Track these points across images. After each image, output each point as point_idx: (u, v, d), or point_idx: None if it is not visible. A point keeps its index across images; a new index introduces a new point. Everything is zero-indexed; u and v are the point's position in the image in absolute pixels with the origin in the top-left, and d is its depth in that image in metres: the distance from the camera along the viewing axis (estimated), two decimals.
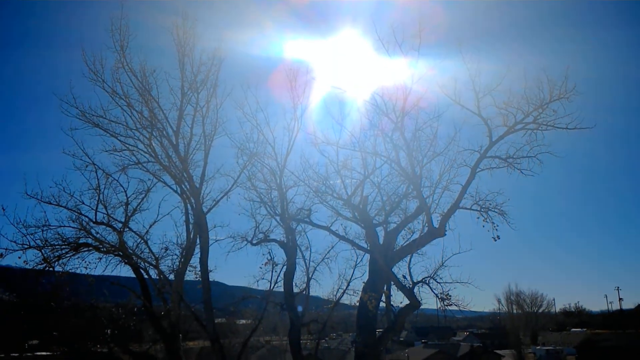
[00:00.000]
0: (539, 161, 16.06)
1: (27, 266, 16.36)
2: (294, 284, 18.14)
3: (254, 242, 18.52)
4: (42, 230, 16.23)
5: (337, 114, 17.70)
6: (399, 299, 17.31)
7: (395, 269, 16.98)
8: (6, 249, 15.93)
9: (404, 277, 16.92)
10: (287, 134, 18.46)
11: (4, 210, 15.78)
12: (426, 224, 16.65)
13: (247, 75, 19.64)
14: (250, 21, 21.47)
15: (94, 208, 16.88)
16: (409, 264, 17.23)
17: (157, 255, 17.64)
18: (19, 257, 16.08)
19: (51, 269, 16.44)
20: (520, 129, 16.25)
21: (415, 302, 16.39)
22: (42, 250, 16.28)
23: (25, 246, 16.05)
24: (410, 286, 16.52)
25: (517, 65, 17.14)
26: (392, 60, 16.35)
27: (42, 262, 16.26)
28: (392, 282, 16.91)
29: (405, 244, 17.39)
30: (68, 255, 16.59)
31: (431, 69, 16.45)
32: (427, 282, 16.50)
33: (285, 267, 18.35)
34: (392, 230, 17.37)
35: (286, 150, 18.43)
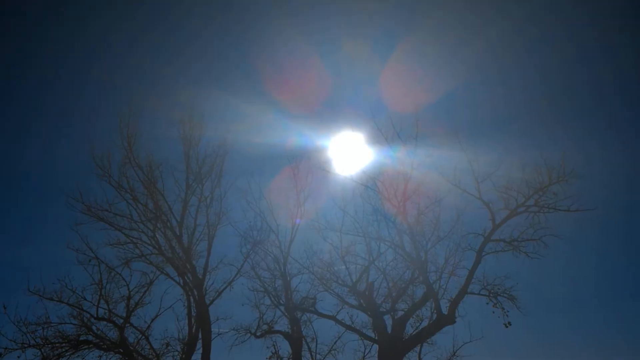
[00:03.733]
0: (544, 244, 16.91)
1: None
2: None
3: (258, 334, 18.98)
4: (43, 328, 16.93)
5: (340, 200, 18.99)
6: None
7: None
8: (5, 348, 16.57)
9: None
10: (290, 221, 19.60)
11: (5, 308, 16.64)
12: (435, 311, 17.22)
13: (251, 164, 21.23)
14: (253, 112, 23.37)
15: (96, 304, 17.61)
16: (420, 354, 17.58)
17: (158, 352, 18.07)
18: (18, 357, 16.67)
19: None
20: (523, 212, 17.30)
21: None
22: (42, 349, 16.86)
23: (25, 345, 16.67)
24: None
25: (514, 150, 18.67)
26: (392, 149, 17.92)
27: None
28: None
29: (414, 333, 17.79)
30: (67, 353, 17.12)
31: (430, 156, 17.91)
32: None
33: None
34: (400, 318, 17.86)
35: (290, 237, 19.48)
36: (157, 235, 18.98)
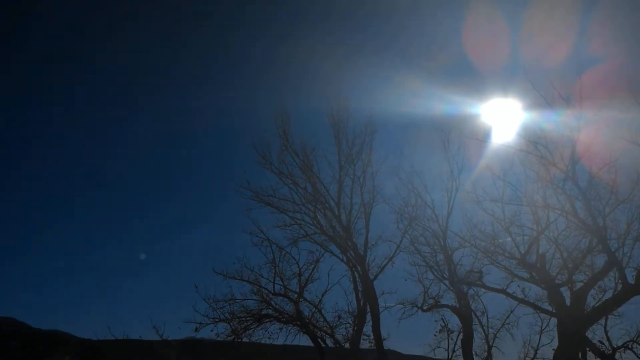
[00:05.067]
0: None
1: (219, 339, 19.56)
2: (474, 352, 18.57)
3: (425, 307, 19.57)
4: (229, 304, 19.43)
5: (498, 169, 18.55)
6: None
7: (589, 334, 16.66)
8: (200, 323, 19.31)
9: (601, 342, 16.50)
10: (445, 195, 19.73)
11: (196, 287, 19.37)
12: (619, 281, 16.27)
13: (400, 139, 21.66)
14: (399, 82, 23.58)
15: (272, 280, 19.72)
16: (605, 327, 16.80)
17: (331, 324, 19.71)
18: (211, 330, 19.35)
19: (239, 340, 19.37)
20: None
21: None
22: (231, 323, 19.37)
23: (216, 320, 19.27)
24: (610, 352, 16.02)
25: None
26: (552, 113, 17.01)
27: (231, 334, 19.31)
28: (587, 349, 16.54)
29: (597, 305, 17.00)
30: (253, 326, 19.45)
31: (598, 115, 16.68)
32: (629, 346, 15.88)
33: (461, 334, 18.94)
34: (579, 290, 17.15)
35: (447, 211, 19.62)
36: (318, 216, 20.50)
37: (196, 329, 19.38)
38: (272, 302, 19.68)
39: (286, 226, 20.51)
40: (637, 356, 15.69)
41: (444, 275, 19.46)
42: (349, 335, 19.64)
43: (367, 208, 20.63)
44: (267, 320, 19.47)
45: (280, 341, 19.62)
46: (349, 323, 19.79)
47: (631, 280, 15.92)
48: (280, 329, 19.51)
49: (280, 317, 19.45)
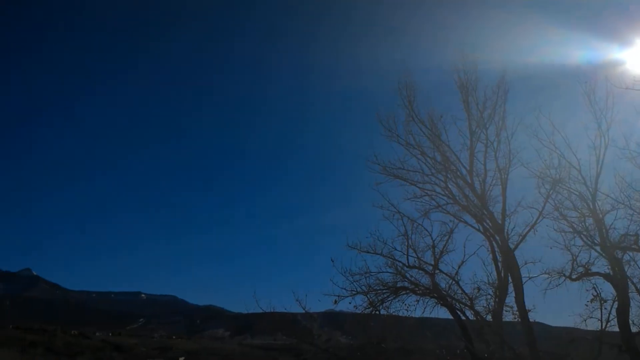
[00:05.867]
0: None
1: (357, 310, 20.40)
2: (631, 322, 17.25)
3: (573, 276, 18.49)
4: (365, 277, 20.07)
5: None
6: None
7: None
8: (338, 296, 20.24)
9: None
10: (593, 153, 18.21)
11: (333, 262, 20.30)
12: None
13: (536, 95, 20.28)
14: (530, 29, 21.98)
15: (405, 253, 20.01)
16: None
17: (470, 296, 19.46)
18: (349, 302, 20.20)
19: (377, 312, 20.05)
20: None
21: None
22: (368, 295, 20.05)
23: (354, 292, 20.06)
24: None
25: None
26: None
27: (369, 306, 20.02)
28: None
29: None
30: (389, 299, 19.95)
31: None
32: None
33: (616, 303, 17.62)
34: None
35: (595, 171, 18.13)
36: (449, 186, 20.17)
37: (335, 302, 20.34)
38: (407, 275, 19.98)
39: (416, 198, 20.53)
40: None
41: (595, 240, 18.17)
42: (490, 307, 19.27)
43: (503, 174, 19.80)
44: (403, 292, 19.81)
45: (417, 314, 19.91)
46: (489, 295, 19.44)
47: None
48: (417, 301, 19.73)
49: (416, 289, 19.69)
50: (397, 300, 20.00)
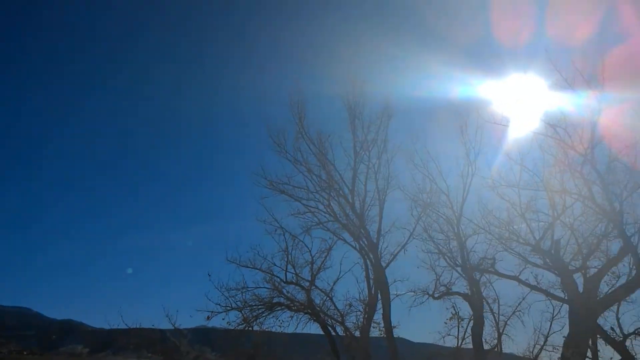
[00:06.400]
0: None
1: (230, 326, 20.05)
2: (483, 340, 18.93)
3: (436, 295, 19.93)
4: (242, 293, 19.88)
5: (515, 154, 18.63)
6: (609, 355, 17.13)
7: (600, 320, 16.92)
8: (212, 312, 19.78)
9: (612, 328, 16.75)
10: (461, 181, 19.92)
11: (209, 276, 19.85)
12: (634, 267, 16.45)
13: (416, 125, 21.81)
14: (416, 65, 23.67)
15: (284, 269, 20.14)
16: (617, 314, 17.00)
17: (342, 312, 20.12)
18: (223, 319, 19.82)
19: (250, 328, 19.89)
20: None
21: (628, 357, 16.06)
22: (242, 311, 19.84)
23: (228, 308, 19.73)
24: (621, 339, 16.26)
25: None
26: (572, 94, 17.04)
27: (243, 322, 19.81)
28: (598, 335, 16.79)
29: (610, 291, 17.22)
30: (264, 314, 19.92)
31: (620, 98, 16.74)
32: None
33: (472, 322, 19.28)
34: (592, 276, 17.37)
35: (462, 197, 19.82)
36: (332, 204, 20.84)
37: (208, 318, 19.81)
38: (284, 291, 20.13)
39: (300, 214, 20.88)
40: None
41: (457, 262, 19.78)
42: (359, 324, 20.05)
43: (381, 195, 20.91)
44: (279, 308, 19.92)
45: (290, 329, 20.10)
46: (359, 311, 20.22)
47: None
48: (291, 317, 19.94)
49: (292, 305, 19.90)
50: (271, 316, 20.06)
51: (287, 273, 20.07)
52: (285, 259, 20.13)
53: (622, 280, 17.28)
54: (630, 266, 16.90)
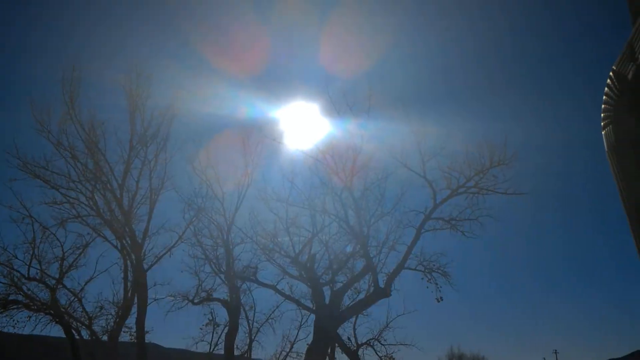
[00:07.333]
0: (480, 224, 18.60)
1: None
2: (235, 346, 19.49)
3: (196, 301, 19.93)
4: None
5: (289, 172, 20.04)
6: None
7: (340, 330, 18.77)
8: None
9: (349, 338, 18.70)
10: (237, 190, 20.51)
11: None
12: (372, 284, 18.71)
13: (200, 132, 21.92)
14: (204, 81, 23.97)
15: (28, 263, 18.09)
16: (355, 325, 19.09)
17: (90, 315, 18.81)
18: None
19: None
20: (463, 192, 18.89)
21: None
22: None
23: None
24: (355, 348, 18.23)
25: (461, 129, 20.26)
26: (343, 122, 19.08)
27: None
28: (337, 344, 18.58)
29: (351, 305, 19.24)
30: None
31: (380, 131, 19.22)
32: (371, 344, 18.31)
33: (227, 328, 19.72)
34: (338, 289, 19.25)
35: (235, 206, 20.38)
36: (96, 197, 19.46)
37: None
38: (24, 287, 18.08)
39: (56, 204, 19.03)
40: (376, 353, 18.21)
41: (221, 269, 20.16)
42: (110, 328, 18.99)
43: (154, 194, 20.29)
44: (14, 306, 17.78)
45: (27, 331, 18.07)
46: (111, 315, 19.17)
47: (382, 284, 18.50)
48: (29, 317, 17.97)
49: (31, 304, 17.93)
50: (4, 315, 17.79)
51: (31, 268, 18.15)
52: (31, 253, 18.19)
53: (362, 296, 19.46)
54: (370, 283, 19.14)
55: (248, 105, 22.81)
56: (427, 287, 18.49)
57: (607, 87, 2.79)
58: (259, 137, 20.97)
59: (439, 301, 18.32)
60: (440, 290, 18.29)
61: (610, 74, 2.73)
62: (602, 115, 2.80)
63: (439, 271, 18.51)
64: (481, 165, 18.66)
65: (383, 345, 18.24)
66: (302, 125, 21.76)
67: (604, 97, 2.80)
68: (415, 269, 18.73)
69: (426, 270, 18.55)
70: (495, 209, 18.65)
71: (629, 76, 2.61)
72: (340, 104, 18.95)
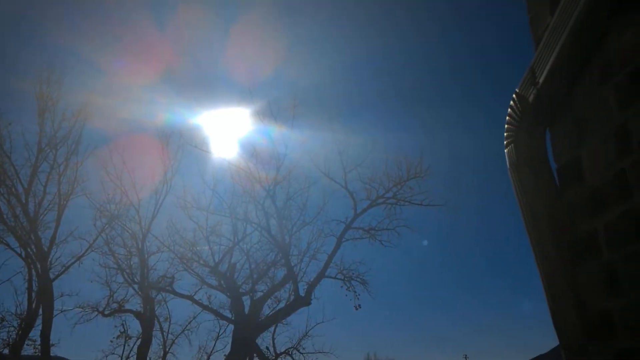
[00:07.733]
0: (397, 233, 19.33)
1: None
2: (148, 358, 18.87)
3: (106, 312, 19.11)
4: None
5: (210, 180, 19.74)
6: None
7: (259, 340, 18.73)
8: None
9: (267, 348, 18.69)
10: (154, 197, 19.93)
11: None
12: (292, 293, 18.85)
13: (115, 137, 21.12)
14: (120, 87, 23.20)
15: None
16: (274, 335, 19.13)
17: None
18: None
19: None
20: (382, 203, 19.55)
21: None
22: None
23: None
24: (273, 358, 18.26)
25: (382, 139, 21.02)
26: (267, 130, 19.15)
27: None
28: (255, 354, 18.50)
29: (271, 314, 19.26)
30: None
31: (304, 141, 19.48)
32: (290, 353, 18.44)
33: (139, 340, 19.04)
34: (258, 299, 19.20)
35: (152, 213, 19.79)
36: None
37: None
38: None
39: None
40: None
41: (135, 279, 19.47)
42: (11, 340, 17.73)
43: (63, 199, 19.32)
44: None
45: None
46: (13, 327, 17.90)
47: (302, 292, 18.66)
48: None
49: None
50: None
51: None
52: None
53: (282, 305, 19.53)
54: (290, 292, 19.27)
55: (167, 111, 22.27)
56: (346, 296, 18.92)
57: (510, 109, 3.14)
58: (179, 143, 20.57)
59: (357, 309, 18.79)
60: (358, 298, 18.77)
61: (513, 95, 3.08)
62: (505, 134, 3.15)
63: (358, 279, 19.01)
64: (399, 177, 19.42)
65: (302, 353, 18.42)
66: (225, 133, 21.58)
67: (507, 117, 3.15)
68: (335, 277, 19.12)
69: (345, 279, 18.98)
70: (412, 219, 19.50)
71: (530, 99, 2.97)
72: (264, 112, 19.03)
